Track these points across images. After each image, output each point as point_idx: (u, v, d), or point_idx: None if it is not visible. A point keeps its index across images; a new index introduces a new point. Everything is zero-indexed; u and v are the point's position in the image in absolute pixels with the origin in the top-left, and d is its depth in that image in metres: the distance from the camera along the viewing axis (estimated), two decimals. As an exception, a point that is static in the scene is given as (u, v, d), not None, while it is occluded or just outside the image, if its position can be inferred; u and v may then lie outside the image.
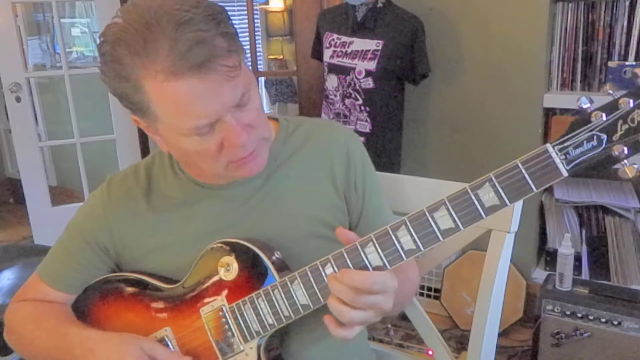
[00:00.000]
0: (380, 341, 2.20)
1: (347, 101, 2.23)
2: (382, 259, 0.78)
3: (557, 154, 0.68)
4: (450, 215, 0.74)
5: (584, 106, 0.68)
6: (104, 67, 0.82)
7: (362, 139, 2.21)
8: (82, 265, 1.01)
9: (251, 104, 0.84)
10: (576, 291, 1.87)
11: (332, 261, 0.81)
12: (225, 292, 0.90)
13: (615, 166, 0.68)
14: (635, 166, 0.67)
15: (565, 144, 0.68)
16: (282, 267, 0.89)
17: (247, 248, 0.89)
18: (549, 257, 2.32)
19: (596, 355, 1.84)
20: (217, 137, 0.83)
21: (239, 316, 0.89)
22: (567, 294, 1.86)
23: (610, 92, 0.68)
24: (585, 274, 2.22)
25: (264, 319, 0.87)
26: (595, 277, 2.20)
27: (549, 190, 2.27)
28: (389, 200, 1.08)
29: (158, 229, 0.98)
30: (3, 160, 4.32)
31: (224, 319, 0.90)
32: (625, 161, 0.67)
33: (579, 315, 1.83)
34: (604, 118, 0.67)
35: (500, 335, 2.20)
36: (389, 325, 2.31)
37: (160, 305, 0.96)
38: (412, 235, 0.76)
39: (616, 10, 2.05)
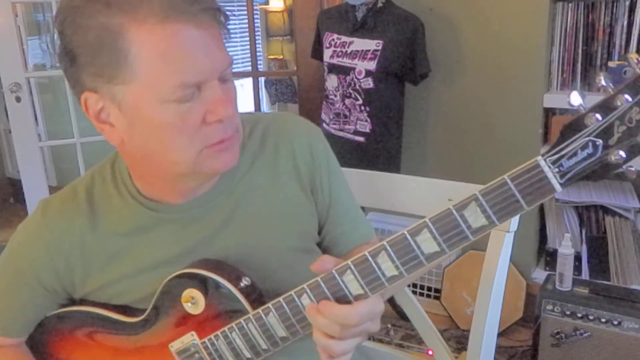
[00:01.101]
0: (380, 341, 2.20)
1: (347, 101, 2.23)
2: (362, 287, 0.71)
3: (549, 168, 0.61)
4: (435, 238, 0.67)
5: (575, 103, 0.60)
6: (70, 16, 0.71)
7: (362, 138, 2.22)
8: (27, 309, 0.91)
9: (231, 83, 0.79)
10: (576, 291, 1.87)
11: (308, 291, 0.74)
12: (194, 327, 0.84)
13: (614, 172, 0.61)
14: (632, 168, 0.60)
15: (559, 155, 0.60)
16: (253, 294, 0.83)
17: (209, 278, 0.81)
18: (549, 257, 2.32)
19: (596, 355, 1.84)
20: (200, 108, 0.74)
21: (213, 352, 0.83)
22: (567, 294, 1.86)
23: (604, 83, 0.60)
24: (585, 274, 2.22)
25: (240, 353, 0.82)
26: (595, 277, 2.20)
27: (549, 190, 2.27)
28: (389, 200, 1.08)
29: (110, 262, 0.87)
30: (3, 160, 4.32)
31: (197, 355, 0.84)
32: (624, 167, 0.59)
33: (579, 315, 1.83)
34: (600, 119, 0.59)
35: (500, 335, 2.20)
36: (389, 325, 2.31)
37: (125, 340, 0.88)
38: (393, 261, 0.69)
39: (616, 10, 2.05)
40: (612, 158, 0.59)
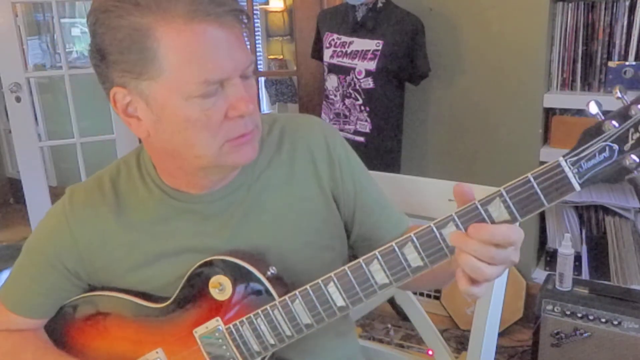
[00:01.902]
0: (380, 341, 2.20)
1: (347, 101, 2.23)
2: (387, 277, 0.76)
3: (570, 168, 0.66)
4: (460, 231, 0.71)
5: (593, 112, 0.65)
6: (101, 16, 0.75)
7: (362, 138, 2.22)
8: (50, 290, 0.93)
9: (252, 80, 0.82)
10: (576, 291, 1.87)
11: (335, 280, 0.78)
12: (219, 313, 0.86)
13: (628, 176, 0.65)
14: None
15: (578, 157, 0.66)
16: (279, 283, 0.85)
17: (239, 265, 0.84)
18: (549, 257, 2.32)
19: (596, 355, 1.84)
20: (222, 104, 0.78)
21: (237, 337, 0.85)
22: (567, 294, 1.86)
23: (620, 95, 0.65)
24: (585, 274, 2.22)
25: (265, 340, 0.84)
26: (595, 277, 2.20)
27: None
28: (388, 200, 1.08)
29: (133, 249, 0.90)
30: (3, 160, 4.32)
31: (220, 340, 0.86)
32: (636, 171, 0.64)
33: (579, 315, 1.83)
34: (616, 126, 0.64)
35: (500, 335, 2.20)
36: (389, 325, 2.31)
37: (148, 325, 0.90)
38: (419, 253, 0.73)
39: (616, 10, 2.05)
40: (627, 162, 0.64)
